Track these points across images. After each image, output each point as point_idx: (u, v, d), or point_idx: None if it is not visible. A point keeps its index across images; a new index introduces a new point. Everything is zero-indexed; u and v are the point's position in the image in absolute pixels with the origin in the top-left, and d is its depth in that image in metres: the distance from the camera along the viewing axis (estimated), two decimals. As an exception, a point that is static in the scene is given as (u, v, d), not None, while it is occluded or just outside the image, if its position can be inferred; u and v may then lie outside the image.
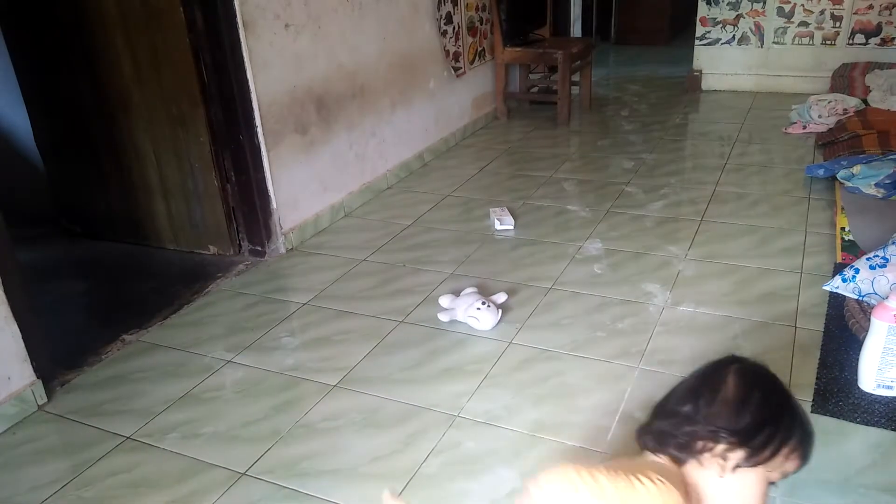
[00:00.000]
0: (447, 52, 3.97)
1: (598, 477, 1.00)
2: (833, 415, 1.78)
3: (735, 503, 1.05)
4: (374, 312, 2.39)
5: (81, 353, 2.23)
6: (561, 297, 2.42)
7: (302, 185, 2.97)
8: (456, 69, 4.08)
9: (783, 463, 1.03)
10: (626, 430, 1.78)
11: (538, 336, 2.19)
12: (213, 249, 2.90)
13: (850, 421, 1.76)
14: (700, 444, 1.03)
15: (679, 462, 1.07)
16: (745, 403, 1.02)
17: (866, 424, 1.75)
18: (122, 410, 1.97)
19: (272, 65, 2.72)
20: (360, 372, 2.07)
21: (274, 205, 2.82)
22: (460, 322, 2.27)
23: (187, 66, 2.59)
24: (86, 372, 2.16)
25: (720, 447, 1.02)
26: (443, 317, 2.29)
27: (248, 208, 2.82)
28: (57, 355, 2.16)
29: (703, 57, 5.05)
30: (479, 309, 2.23)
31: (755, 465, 1.01)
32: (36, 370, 2.00)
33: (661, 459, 1.09)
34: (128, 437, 1.86)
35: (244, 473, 1.71)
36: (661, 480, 1.02)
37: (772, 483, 1.06)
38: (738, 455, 1.01)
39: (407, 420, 1.86)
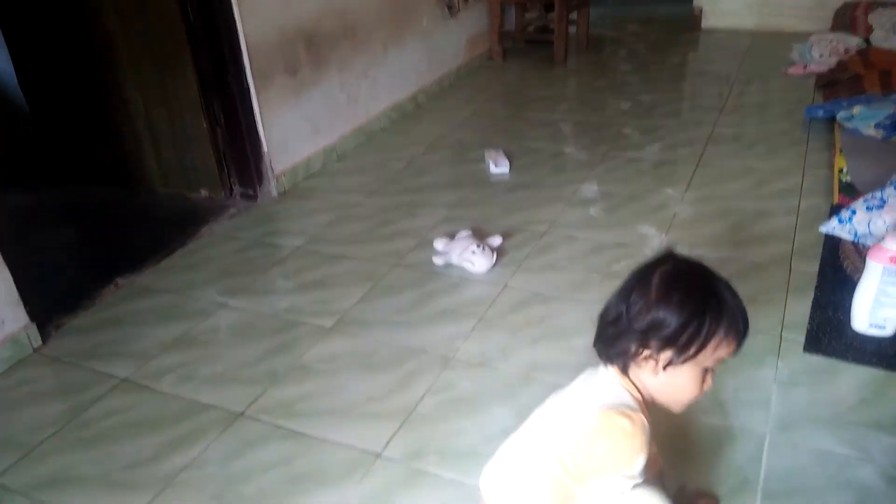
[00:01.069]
0: (441, -10, 3.86)
1: None
2: (825, 354, 1.80)
3: (673, 396, 1.08)
4: (369, 256, 2.38)
5: (75, 297, 2.22)
6: (556, 240, 2.40)
7: (293, 128, 2.92)
8: (450, 7, 3.97)
9: (714, 353, 1.03)
10: (619, 370, 1.79)
11: (533, 279, 2.18)
12: (204, 193, 2.86)
13: (842, 360, 1.78)
14: (633, 348, 1.04)
15: (623, 371, 1.08)
16: (667, 304, 1.01)
17: (857, 363, 1.76)
18: (117, 353, 1.97)
19: (260, 3, 2.63)
20: (355, 315, 2.07)
21: (265, 148, 2.78)
22: (455, 265, 2.26)
23: (172, 6, 2.51)
24: (80, 315, 2.15)
25: (649, 350, 1.03)
26: (437, 260, 2.28)
27: (239, 152, 2.77)
28: (50, 299, 2.15)
29: (704, -6, 4.93)
30: (473, 252, 2.22)
31: (685, 361, 1.02)
32: (29, 313, 1.99)
33: (615, 372, 1.10)
34: (124, 379, 1.87)
35: (241, 414, 1.72)
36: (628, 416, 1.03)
37: (709, 369, 1.07)
38: (666, 355, 1.02)
39: (402, 362, 1.87)
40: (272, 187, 2.83)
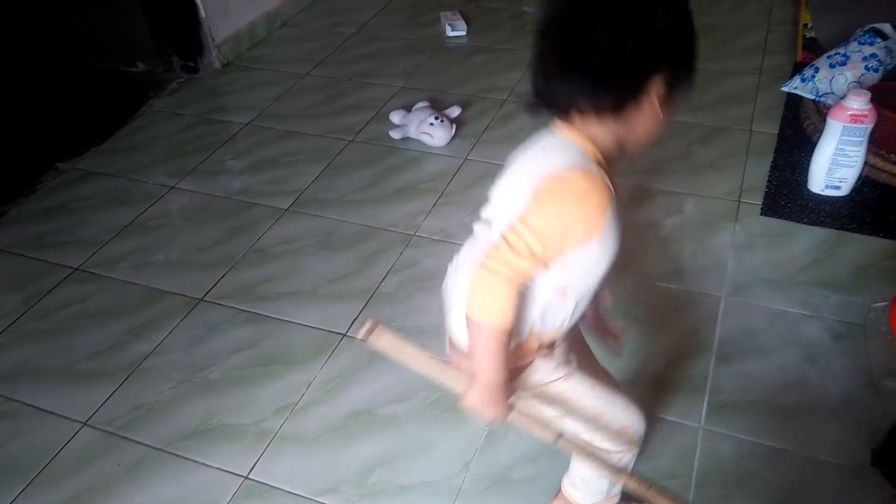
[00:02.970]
0: None
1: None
2: (781, 216, 1.82)
3: (657, 124, 0.85)
4: (322, 131, 2.28)
5: (14, 185, 2.10)
6: (517, 109, 2.33)
7: (232, -10, 2.70)
8: None
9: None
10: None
11: (494, 150, 2.13)
12: (141, 66, 2.67)
13: (798, 222, 1.81)
14: (643, 82, 0.80)
15: (619, 112, 0.81)
16: (679, 6, 0.83)
17: (812, 224, 1.80)
18: (66, 241, 1.90)
19: None
20: (312, 194, 2.02)
21: (202, 13, 2.57)
22: (413, 139, 2.19)
23: None
24: (22, 204, 2.05)
25: (662, 76, 0.81)
26: (394, 134, 2.20)
27: (174, 18, 2.56)
28: (-14, 188, 2.04)
29: None
30: (431, 124, 2.14)
31: (673, 86, 0.83)
32: (-35, 204, 1.89)
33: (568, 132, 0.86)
34: (76, 269, 1.81)
35: (201, 299, 1.70)
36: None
37: None
38: (677, 76, 0.83)
39: (363, 241, 1.84)
40: (214, 58, 2.65)
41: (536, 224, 0.80)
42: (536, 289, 0.86)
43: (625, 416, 1.03)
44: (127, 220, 1.96)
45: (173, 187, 2.07)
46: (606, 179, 0.82)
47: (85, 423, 1.43)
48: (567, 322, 0.92)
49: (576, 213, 0.81)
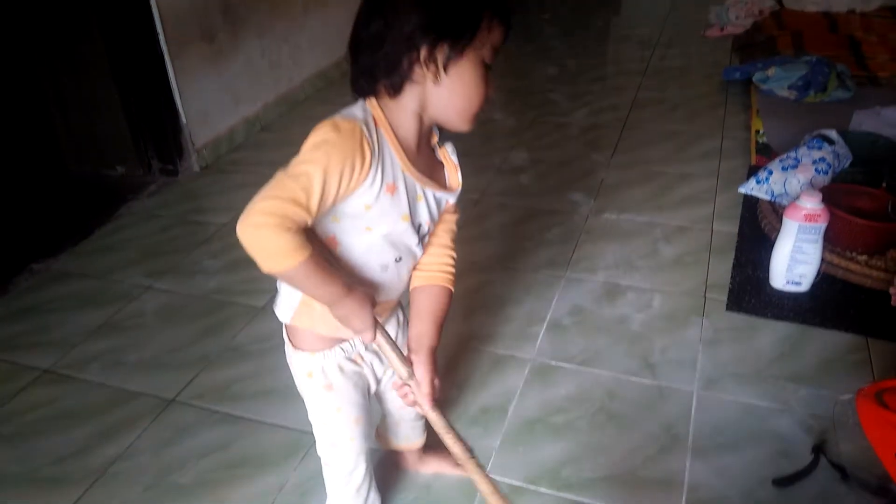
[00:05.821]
0: (362, -49, 3.74)
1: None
2: (746, 311, 1.88)
3: (463, 103, 0.94)
4: (299, 230, 2.32)
5: (-15, 286, 2.09)
6: (488, 209, 2.41)
7: (212, 98, 2.80)
8: (372, -30, 3.86)
9: (488, 36, 0.91)
10: (554, 335, 1.83)
11: (467, 249, 2.17)
12: (120, 170, 2.73)
13: (762, 317, 1.86)
14: (405, 60, 0.89)
15: (397, 91, 0.91)
16: None
17: (776, 319, 1.85)
18: (37, 343, 1.88)
19: (171, -35, 2.50)
20: (288, 292, 2.03)
21: (183, 119, 2.66)
22: (388, 237, 2.23)
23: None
24: (-8, 305, 2.03)
25: (423, 52, 0.88)
26: (370, 232, 2.25)
27: (155, 124, 2.65)
28: (-43, 289, 2.02)
29: (625, -43, 4.97)
30: (406, 223, 2.20)
31: (463, 50, 0.89)
32: (-65, 306, 1.87)
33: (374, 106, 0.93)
34: (46, 370, 1.78)
35: (173, 400, 1.67)
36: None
37: (488, 66, 0.94)
38: (443, 51, 0.88)
39: (338, 338, 1.84)
40: (193, 161, 2.72)
41: (300, 167, 0.85)
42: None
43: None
44: (100, 320, 1.95)
45: (149, 287, 2.08)
46: (373, 135, 0.89)
47: (46, 533, 1.37)
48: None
49: (330, 139, 0.86)
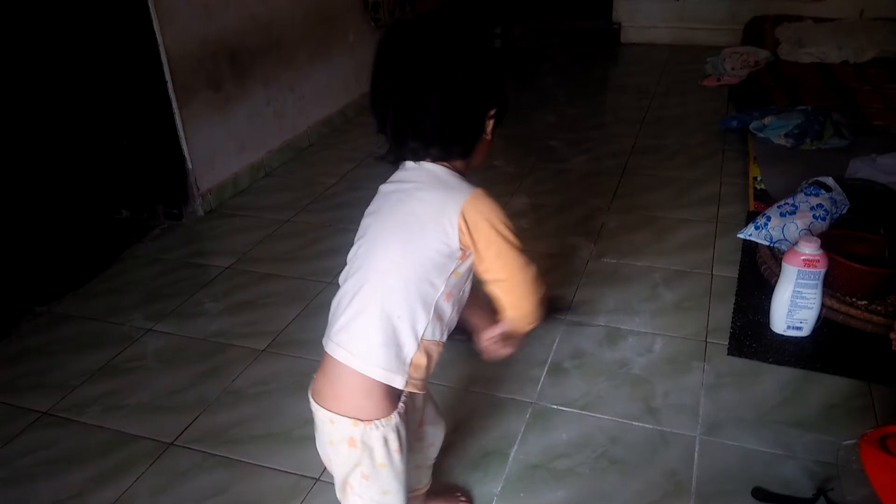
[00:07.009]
0: (366, 3, 3.85)
1: None
2: (748, 356, 1.88)
3: (488, 146, 1.07)
4: (300, 274, 2.34)
5: (-13, 328, 2.10)
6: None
7: (218, 144, 2.85)
8: (376, 20, 3.97)
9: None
10: (554, 379, 1.82)
11: (467, 292, 2.19)
12: (125, 213, 2.76)
13: (764, 361, 1.86)
14: (481, 121, 1.01)
15: (469, 151, 1.03)
16: (485, 55, 1.02)
17: (778, 364, 1.85)
18: (37, 385, 1.88)
19: (179, 15, 2.57)
20: (289, 335, 2.04)
21: (189, 165, 2.70)
22: (389, 281, 2.25)
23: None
24: (-7, 347, 2.04)
25: (493, 111, 1.02)
26: (371, 276, 2.26)
27: (161, 169, 2.69)
28: (-41, 331, 2.03)
29: (622, 9, 5.09)
30: (407, 267, 2.22)
31: (500, 116, 1.04)
32: (-64, 348, 1.87)
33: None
34: (44, 413, 1.77)
35: (171, 443, 1.66)
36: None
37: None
38: (497, 108, 1.02)
39: (339, 381, 1.84)
40: (198, 206, 2.76)
41: (502, 218, 1.01)
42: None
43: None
44: (101, 362, 1.95)
45: (150, 330, 2.08)
46: None
47: (39, 580, 1.35)
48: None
49: (496, 207, 1.01)
